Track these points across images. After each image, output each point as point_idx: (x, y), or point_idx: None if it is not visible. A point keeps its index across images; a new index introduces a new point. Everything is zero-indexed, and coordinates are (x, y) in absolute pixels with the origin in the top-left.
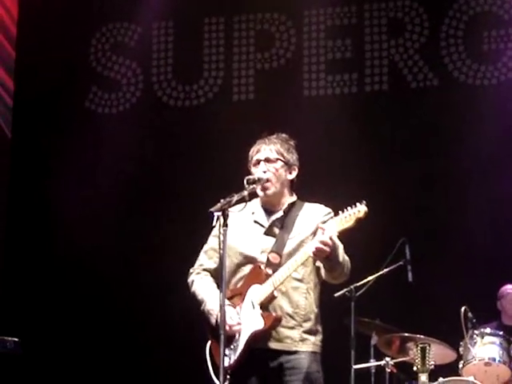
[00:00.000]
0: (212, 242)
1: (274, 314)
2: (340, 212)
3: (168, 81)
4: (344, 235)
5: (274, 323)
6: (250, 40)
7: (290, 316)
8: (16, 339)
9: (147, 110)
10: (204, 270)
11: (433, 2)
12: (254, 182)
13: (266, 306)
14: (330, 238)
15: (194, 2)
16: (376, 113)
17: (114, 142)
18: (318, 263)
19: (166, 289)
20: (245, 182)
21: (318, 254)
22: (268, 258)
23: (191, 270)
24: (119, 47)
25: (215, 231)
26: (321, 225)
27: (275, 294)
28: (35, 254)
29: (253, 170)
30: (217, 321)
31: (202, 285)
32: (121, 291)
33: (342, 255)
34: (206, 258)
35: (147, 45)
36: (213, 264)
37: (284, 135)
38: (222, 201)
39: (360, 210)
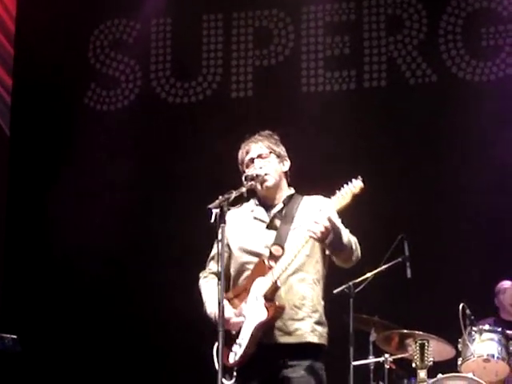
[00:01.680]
0: (217, 246)
1: (276, 303)
2: (337, 191)
3: (166, 78)
4: (343, 214)
5: (276, 312)
6: (249, 37)
7: (298, 308)
8: (14, 336)
9: (146, 106)
10: (212, 273)
11: None
12: (253, 178)
13: (270, 297)
14: (329, 219)
15: None
16: (375, 109)
17: (112, 138)
18: (328, 251)
19: (165, 288)
20: (243, 178)
21: (316, 233)
22: (270, 251)
23: (200, 275)
24: (118, 44)
25: (219, 236)
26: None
27: (278, 283)
28: (34, 252)
29: (247, 170)
30: (215, 318)
31: (206, 288)
32: (118, 289)
33: (347, 236)
34: (213, 263)
35: (146, 42)
36: (220, 268)
37: (267, 131)
38: (220, 197)
39: (355, 185)
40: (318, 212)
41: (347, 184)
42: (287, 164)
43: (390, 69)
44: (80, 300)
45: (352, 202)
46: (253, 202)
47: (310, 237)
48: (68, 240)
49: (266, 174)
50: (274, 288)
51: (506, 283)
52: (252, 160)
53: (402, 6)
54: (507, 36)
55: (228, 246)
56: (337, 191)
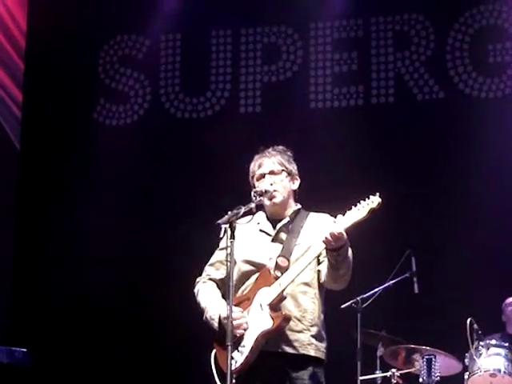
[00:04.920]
0: (219, 254)
1: (283, 313)
2: (352, 206)
3: (175, 93)
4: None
5: (282, 322)
6: (257, 53)
7: (298, 320)
8: (24, 349)
9: (155, 122)
10: (210, 279)
11: (438, 16)
12: (262, 194)
13: (275, 307)
14: (345, 230)
15: (201, 14)
16: (382, 125)
17: (121, 153)
18: (320, 267)
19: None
20: (252, 194)
21: (330, 242)
22: (276, 262)
23: (197, 280)
24: (127, 59)
25: (222, 244)
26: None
27: (284, 294)
28: (43, 264)
29: (257, 184)
30: (220, 323)
31: (205, 293)
32: (130, 302)
33: (351, 255)
34: (213, 269)
35: (155, 57)
36: (219, 275)
37: (281, 147)
38: (229, 213)
39: (374, 200)
40: (334, 223)
41: (364, 200)
42: (297, 183)
43: (397, 85)
44: (91, 313)
45: (368, 218)
46: (260, 214)
47: (326, 244)
48: (78, 251)
49: (275, 191)
50: (280, 298)
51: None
52: (263, 175)
53: (409, 22)
54: None
55: None
56: (353, 206)
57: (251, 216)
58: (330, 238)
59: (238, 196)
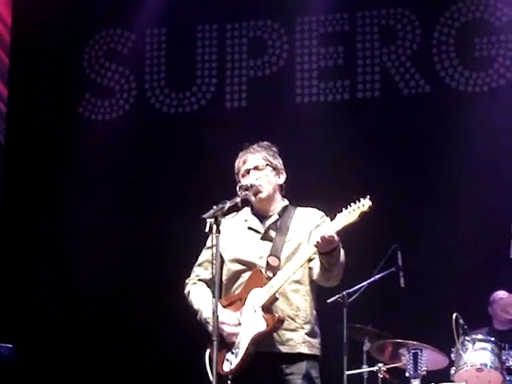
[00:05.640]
0: (206, 253)
1: (276, 315)
2: (343, 209)
3: (161, 88)
4: (346, 232)
5: (276, 324)
6: (243, 47)
7: (292, 318)
8: (10, 345)
9: (140, 116)
10: (200, 280)
11: (425, 10)
12: (247, 188)
13: (267, 308)
14: (336, 233)
15: (187, 9)
16: (368, 119)
17: (107, 148)
18: (311, 264)
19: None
20: (237, 188)
21: (321, 246)
22: (267, 262)
23: (187, 281)
24: (112, 54)
25: (208, 243)
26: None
27: (277, 295)
28: (30, 260)
29: (242, 180)
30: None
31: (197, 294)
32: (117, 297)
33: (343, 256)
34: (202, 269)
35: (140, 52)
36: (208, 275)
37: (266, 142)
38: (214, 207)
39: (364, 203)
40: (326, 226)
41: (355, 203)
42: (283, 177)
43: (383, 79)
44: (78, 309)
45: (359, 220)
46: (247, 210)
47: (317, 247)
48: (62, 247)
49: (260, 186)
50: (273, 300)
51: (500, 293)
52: (248, 171)
53: (395, 16)
54: (500, 46)
55: (220, 254)
56: (343, 209)
57: (235, 212)
58: (321, 241)
59: (227, 190)
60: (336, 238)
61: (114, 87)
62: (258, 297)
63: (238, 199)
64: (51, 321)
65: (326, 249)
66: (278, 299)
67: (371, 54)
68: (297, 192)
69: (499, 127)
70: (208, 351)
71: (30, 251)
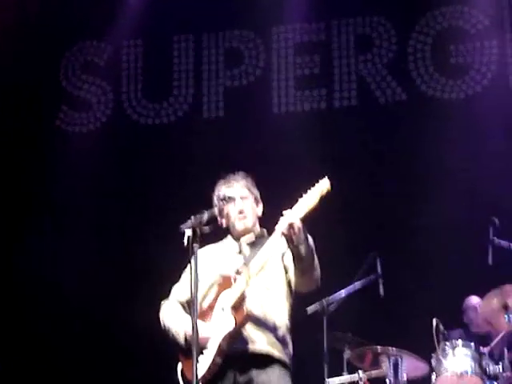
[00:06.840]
0: (185, 277)
1: (245, 310)
2: (303, 193)
3: (138, 99)
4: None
5: (244, 319)
6: (220, 57)
7: (260, 320)
8: None
9: (118, 128)
10: (177, 302)
11: (400, 18)
12: (224, 198)
13: (237, 307)
14: (300, 219)
15: (162, 19)
16: (345, 128)
17: (84, 160)
18: (289, 276)
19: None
20: (214, 199)
21: (289, 232)
22: (237, 270)
23: (162, 302)
24: (89, 66)
25: (188, 268)
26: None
27: (245, 293)
28: (11, 269)
29: (226, 208)
30: (185, 336)
31: (167, 314)
32: (97, 306)
33: (312, 246)
34: (179, 291)
35: (117, 63)
36: (185, 297)
37: (242, 172)
38: (192, 218)
39: (322, 185)
40: (289, 213)
41: (313, 186)
42: (261, 207)
43: (359, 88)
44: (61, 318)
45: (319, 205)
46: (228, 238)
47: (285, 234)
48: (45, 258)
49: (244, 216)
50: (242, 298)
51: (473, 299)
52: (231, 198)
53: (371, 25)
54: (476, 53)
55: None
56: (303, 193)
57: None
58: (288, 228)
59: (205, 200)
60: (298, 223)
61: (91, 99)
62: (227, 298)
63: (216, 210)
64: (33, 330)
65: (292, 234)
66: (246, 297)
67: (347, 63)
68: (273, 201)
69: (476, 134)
70: (180, 365)
71: (9, 266)
